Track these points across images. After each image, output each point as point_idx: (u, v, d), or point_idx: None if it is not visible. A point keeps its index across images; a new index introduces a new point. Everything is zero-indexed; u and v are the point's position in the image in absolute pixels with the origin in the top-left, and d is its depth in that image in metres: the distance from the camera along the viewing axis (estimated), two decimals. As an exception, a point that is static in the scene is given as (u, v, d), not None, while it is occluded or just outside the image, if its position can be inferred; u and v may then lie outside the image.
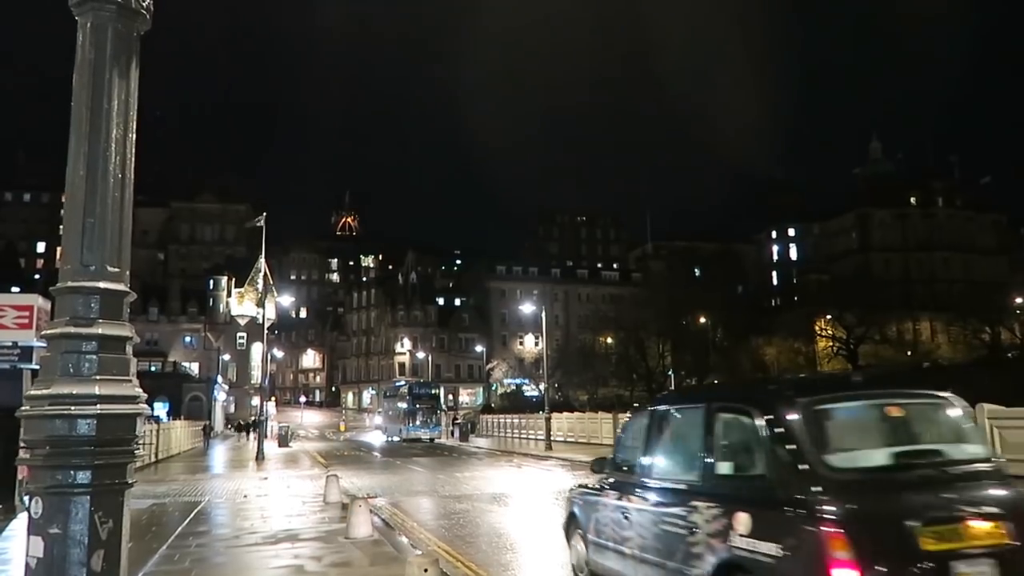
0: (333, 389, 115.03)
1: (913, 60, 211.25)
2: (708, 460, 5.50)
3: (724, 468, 5.39)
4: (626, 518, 6.41)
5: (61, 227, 3.58)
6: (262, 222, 35.66)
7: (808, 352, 66.80)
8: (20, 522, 10.70)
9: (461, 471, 23.90)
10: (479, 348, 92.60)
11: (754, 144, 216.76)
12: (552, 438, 37.01)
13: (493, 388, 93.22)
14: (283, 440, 42.26)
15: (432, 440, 45.31)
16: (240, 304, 44.68)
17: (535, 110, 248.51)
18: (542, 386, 61.26)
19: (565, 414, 45.61)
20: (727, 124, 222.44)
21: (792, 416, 4.86)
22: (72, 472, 3.00)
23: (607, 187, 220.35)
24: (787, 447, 4.76)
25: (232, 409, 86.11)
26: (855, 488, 4.52)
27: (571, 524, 7.73)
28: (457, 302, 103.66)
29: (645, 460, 6.46)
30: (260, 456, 30.31)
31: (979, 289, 71.14)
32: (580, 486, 8.03)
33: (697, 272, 75.59)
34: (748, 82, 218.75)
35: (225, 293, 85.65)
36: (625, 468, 6.84)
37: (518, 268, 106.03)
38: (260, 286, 37.60)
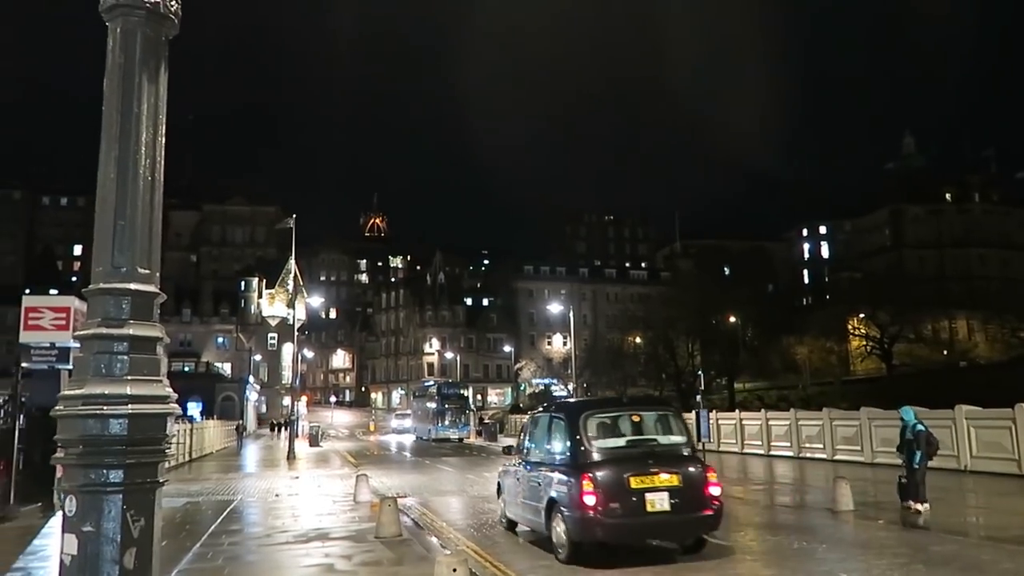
0: (363, 389, 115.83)
1: (945, 54, 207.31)
2: (547, 444, 10.28)
3: (554, 448, 9.94)
4: (518, 481, 10.86)
5: (95, 230, 3.62)
6: (292, 224, 36.04)
7: (841, 351, 65.67)
8: (58, 520, 10.90)
9: (490, 471, 23.87)
10: (507, 348, 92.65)
11: (783, 141, 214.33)
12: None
13: (521, 388, 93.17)
14: (314, 440, 42.64)
15: (461, 440, 45.41)
16: (271, 305, 45.29)
17: (554, 113, 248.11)
18: (570, 386, 61.18)
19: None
20: (754, 121, 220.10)
21: (579, 420, 9.43)
22: (105, 471, 3.04)
23: (632, 187, 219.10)
24: (575, 437, 9.31)
25: (264, 409, 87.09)
26: (602, 458, 9.00)
27: (498, 490, 12.24)
28: (485, 302, 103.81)
29: (528, 446, 11.04)
30: (291, 455, 30.61)
31: (1017, 286, 69.51)
32: (503, 465, 12.35)
33: (726, 271, 74.78)
34: (775, 78, 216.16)
35: (256, 294, 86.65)
36: (521, 451, 11.28)
37: (545, 268, 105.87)
38: (290, 287, 38.02)
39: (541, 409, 11.80)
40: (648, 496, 8.58)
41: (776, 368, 67.16)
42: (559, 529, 9.09)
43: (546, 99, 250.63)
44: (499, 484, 12.16)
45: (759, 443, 27.52)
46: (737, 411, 33.00)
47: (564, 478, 9.13)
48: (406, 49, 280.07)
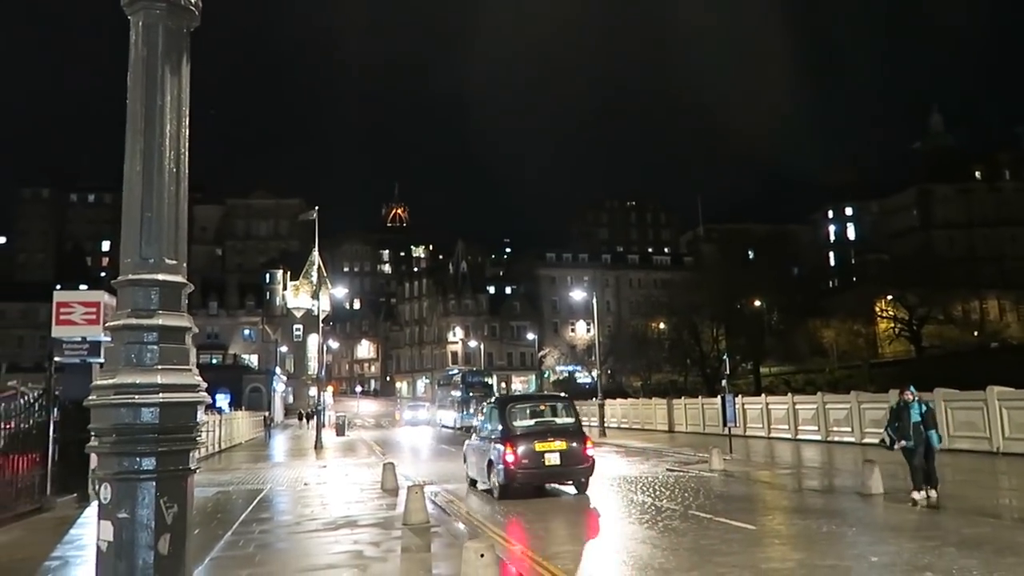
0: (388, 378, 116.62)
1: (973, 29, 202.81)
2: (489, 425, 14.90)
3: (493, 427, 14.47)
4: (474, 451, 15.52)
5: (122, 223, 3.66)
6: (314, 216, 36.28)
7: (868, 334, 64.85)
8: (93, 509, 11.14)
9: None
10: (530, 336, 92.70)
11: (808, 123, 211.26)
12: (606, 425, 36.88)
13: (545, 375, 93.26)
14: (340, 429, 43.05)
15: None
16: (295, 297, 45.72)
17: (575, 104, 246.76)
18: (594, 373, 61.06)
19: (619, 401, 45.40)
20: (778, 104, 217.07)
21: (506, 408, 14.69)
22: (138, 459, 3.08)
23: (654, 173, 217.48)
24: (504, 419, 14.25)
25: (291, 399, 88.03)
26: (520, 432, 13.91)
27: (464, 459, 16.51)
28: (508, 290, 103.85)
29: (480, 426, 15.90)
30: (319, 445, 30.93)
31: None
32: (467, 442, 16.81)
33: (751, 254, 74.03)
34: (800, 59, 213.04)
35: (281, 286, 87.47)
36: (476, 430, 16.60)
37: (568, 255, 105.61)
38: (314, 279, 38.32)
39: (489, 402, 16.90)
40: (546, 455, 13.54)
41: (803, 352, 66.54)
42: (494, 479, 13.83)
43: (568, 90, 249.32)
44: (464, 455, 16.62)
45: (786, 427, 27.32)
46: (763, 395, 32.77)
47: (497, 446, 13.79)
48: (429, 40, 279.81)
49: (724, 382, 26.09)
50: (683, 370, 61.92)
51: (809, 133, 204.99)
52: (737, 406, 26.83)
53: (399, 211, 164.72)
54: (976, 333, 65.98)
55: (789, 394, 30.91)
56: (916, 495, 11.61)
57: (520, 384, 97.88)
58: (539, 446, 13.46)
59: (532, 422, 14.39)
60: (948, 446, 19.30)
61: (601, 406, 37.10)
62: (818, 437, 25.30)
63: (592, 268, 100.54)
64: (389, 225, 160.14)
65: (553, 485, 14.49)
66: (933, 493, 11.69)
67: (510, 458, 13.22)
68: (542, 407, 15.27)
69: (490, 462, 13.97)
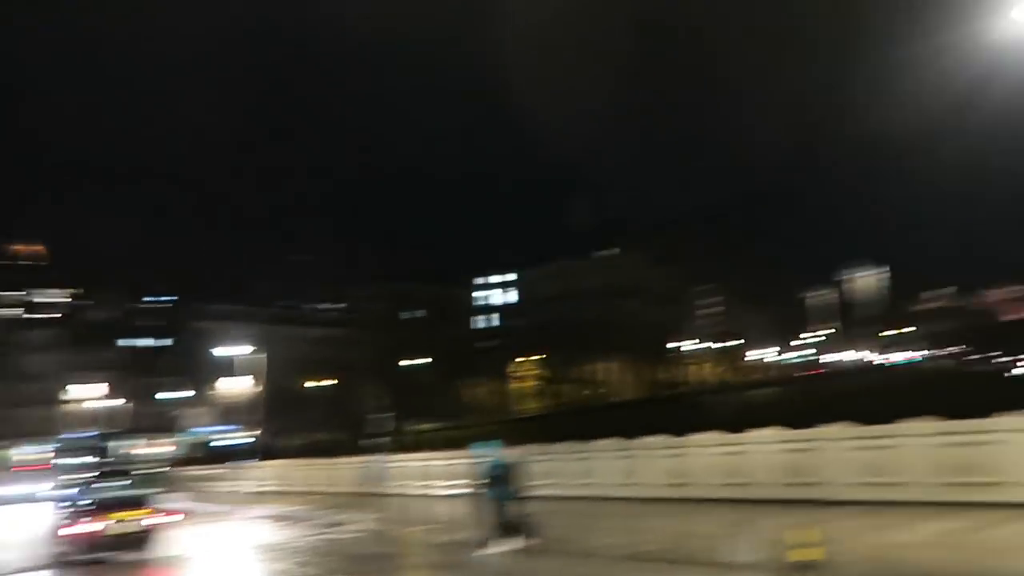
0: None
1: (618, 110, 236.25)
2: (71, 501, 16.95)
3: (74, 501, 16.94)
4: (54, 527, 16.89)
5: None
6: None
7: (511, 391, 71.54)
8: None
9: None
10: (180, 393, 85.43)
11: (466, 190, 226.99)
12: (258, 488, 35.43)
13: (193, 436, 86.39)
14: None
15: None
16: None
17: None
18: (249, 433, 58.46)
19: (275, 462, 43.73)
20: (440, 175, 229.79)
21: (85, 485, 17.79)
22: None
23: (321, 229, 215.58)
24: (82, 494, 16.91)
25: None
26: (89, 507, 15.95)
27: (47, 540, 17.63)
28: (160, 343, 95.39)
29: (66, 501, 17.42)
30: None
31: (648, 333, 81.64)
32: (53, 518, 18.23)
33: (410, 315, 77.28)
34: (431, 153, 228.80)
35: None
36: (63, 507, 17.72)
37: (227, 307, 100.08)
38: None
39: (80, 480, 19.07)
40: (112, 525, 15.06)
41: (455, 409, 70.68)
42: (65, 549, 15.69)
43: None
44: (48, 536, 17.41)
45: (437, 483, 28.47)
46: (412, 453, 33.96)
47: (68, 519, 15.67)
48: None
49: (369, 441, 26.75)
50: (341, 429, 61.83)
51: (473, 201, 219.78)
52: (385, 465, 27.61)
53: (21, 248, 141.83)
54: (600, 391, 75.93)
55: (428, 452, 32.32)
56: (499, 545, 12.43)
57: (169, 447, 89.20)
58: (109, 516, 15.09)
59: (105, 496, 16.15)
60: (565, 494, 21.85)
61: (252, 468, 35.61)
62: (463, 491, 26.83)
63: (253, 323, 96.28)
64: (18, 263, 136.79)
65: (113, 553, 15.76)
66: (515, 543, 12.44)
67: (77, 529, 14.96)
68: (116, 482, 17.68)
69: (63, 536, 15.48)
